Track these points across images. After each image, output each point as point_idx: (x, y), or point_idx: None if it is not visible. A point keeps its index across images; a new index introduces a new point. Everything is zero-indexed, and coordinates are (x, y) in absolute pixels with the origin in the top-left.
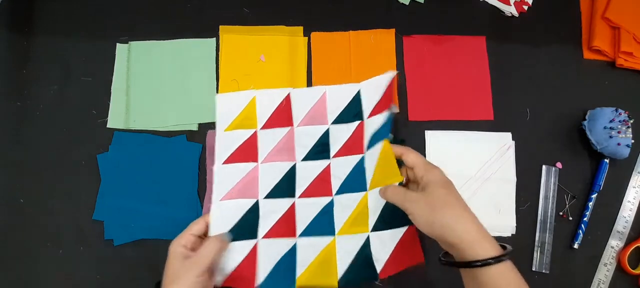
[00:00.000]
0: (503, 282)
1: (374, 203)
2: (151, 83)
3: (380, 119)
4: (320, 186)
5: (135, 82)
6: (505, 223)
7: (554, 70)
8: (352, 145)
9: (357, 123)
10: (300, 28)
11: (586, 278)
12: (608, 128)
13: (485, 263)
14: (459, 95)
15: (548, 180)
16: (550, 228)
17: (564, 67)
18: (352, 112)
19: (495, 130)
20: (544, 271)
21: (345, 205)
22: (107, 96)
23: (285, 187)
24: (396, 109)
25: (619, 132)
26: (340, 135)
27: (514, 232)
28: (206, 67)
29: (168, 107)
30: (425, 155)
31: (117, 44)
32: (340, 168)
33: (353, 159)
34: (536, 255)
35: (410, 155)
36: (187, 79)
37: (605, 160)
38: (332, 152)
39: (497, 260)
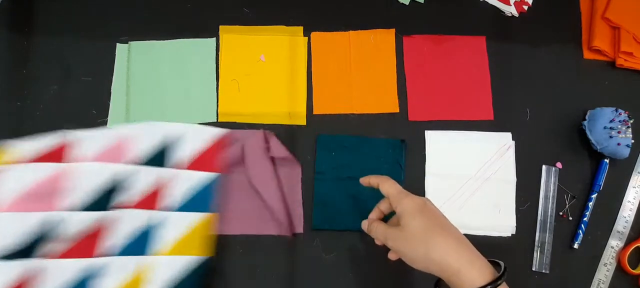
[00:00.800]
0: None
1: (164, 272)
2: (151, 83)
3: (200, 181)
4: (87, 244)
5: (135, 82)
6: (505, 223)
7: (554, 70)
8: (150, 198)
9: (163, 170)
10: (300, 28)
11: (586, 278)
12: (608, 128)
13: None
14: (459, 95)
15: (548, 180)
16: (550, 228)
17: (564, 67)
18: (160, 156)
19: (495, 130)
20: (544, 271)
21: (118, 270)
22: (107, 96)
23: (32, 246)
24: (222, 179)
25: (619, 132)
26: (135, 182)
27: (514, 232)
28: (206, 67)
29: (168, 107)
30: (425, 156)
31: (117, 44)
32: (122, 223)
33: (143, 215)
34: (536, 255)
35: (384, 185)
36: (187, 79)
37: (605, 160)
38: (115, 202)
39: (493, 285)
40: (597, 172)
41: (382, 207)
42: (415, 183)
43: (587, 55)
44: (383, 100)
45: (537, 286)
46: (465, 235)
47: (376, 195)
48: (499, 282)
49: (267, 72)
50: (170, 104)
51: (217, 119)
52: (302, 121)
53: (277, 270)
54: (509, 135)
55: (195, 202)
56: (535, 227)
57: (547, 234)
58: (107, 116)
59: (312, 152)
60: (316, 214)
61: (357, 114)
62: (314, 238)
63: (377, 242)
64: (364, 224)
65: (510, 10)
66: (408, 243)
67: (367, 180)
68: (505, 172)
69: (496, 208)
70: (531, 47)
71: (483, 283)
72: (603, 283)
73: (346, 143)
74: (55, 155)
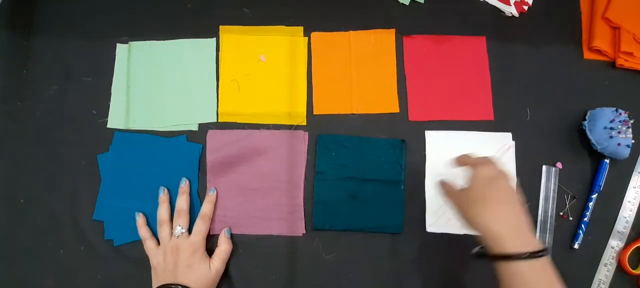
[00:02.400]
0: (531, 279)
1: None
2: (151, 83)
3: None
4: None
5: (135, 82)
6: None
7: (554, 70)
8: None
9: None
10: (300, 28)
11: (586, 279)
12: (608, 128)
13: (508, 257)
14: (459, 95)
15: (548, 180)
16: (550, 229)
17: (564, 67)
18: None
19: (495, 130)
20: None
21: None
22: (107, 96)
23: None
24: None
25: (619, 132)
26: None
27: None
28: (206, 67)
29: (168, 107)
30: (425, 156)
31: (117, 44)
32: None
33: None
34: None
35: (461, 158)
36: (187, 79)
37: (606, 160)
38: None
39: (521, 257)
40: (598, 172)
41: (460, 160)
42: (415, 184)
43: (587, 55)
44: (383, 100)
45: None
46: (465, 235)
47: (376, 195)
48: (539, 254)
49: (267, 72)
50: (170, 104)
51: (217, 119)
52: (302, 121)
53: (277, 270)
54: (509, 135)
55: None
56: (536, 227)
57: (547, 234)
58: (107, 116)
59: (312, 152)
60: (316, 214)
61: (357, 114)
62: (314, 238)
63: (443, 196)
64: (439, 182)
65: (510, 10)
66: (465, 204)
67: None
68: None
69: None
70: (531, 47)
71: (522, 250)
72: (603, 284)
73: (346, 143)
74: None
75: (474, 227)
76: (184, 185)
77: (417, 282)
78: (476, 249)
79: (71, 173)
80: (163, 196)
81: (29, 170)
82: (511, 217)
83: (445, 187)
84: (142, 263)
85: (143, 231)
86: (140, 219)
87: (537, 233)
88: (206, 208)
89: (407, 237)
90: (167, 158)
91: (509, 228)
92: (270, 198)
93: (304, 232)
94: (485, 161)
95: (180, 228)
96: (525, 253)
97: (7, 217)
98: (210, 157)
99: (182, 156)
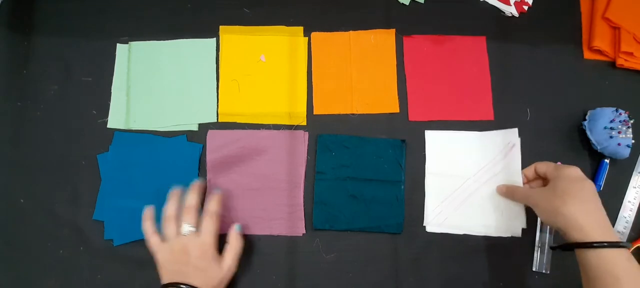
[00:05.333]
0: (616, 266)
1: None
2: (151, 83)
3: None
4: None
5: (135, 82)
6: (506, 224)
7: (554, 70)
8: None
9: None
10: (300, 28)
11: None
12: (608, 128)
13: (589, 245)
14: (459, 95)
15: None
16: (550, 229)
17: (564, 67)
18: None
19: (495, 130)
20: (544, 271)
21: None
22: (107, 96)
23: None
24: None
25: (619, 132)
26: None
27: (514, 232)
28: (206, 67)
29: (168, 107)
30: (425, 156)
31: (117, 44)
32: None
33: None
34: (536, 255)
35: (540, 166)
36: (187, 79)
37: (606, 160)
38: None
39: (603, 245)
40: (598, 172)
41: (528, 172)
42: (415, 184)
43: (587, 55)
44: (383, 100)
45: (537, 286)
46: (465, 235)
47: (376, 195)
48: (620, 245)
49: (267, 72)
50: (170, 104)
51: (217, 119)
52: (302, 121)
53: (277, 270)
54: (515, 131)
55: None
56: (535, 227)
57: (547, 234)
58: (107, 116)
59: (312, 152)
60: (316, 214)
61: (357, 114)
62: (314, 238)
63: (514, 198)
64: (501, 189)
65: (510, 10)
66: (547, 197)
67: (530, 172)
68: (510, 172)
69: (498, 209)
70: (531, 47)
71: (605, 239)
72: None
73: (346, 143)
74: None
75: (558, 217)
76: (198, 183)
77: (417, 282)
78: (555, 245)
79: (71, 173)
80: (173, 193)
81: (29, 170)
82: (595, 212)
83: (524, 191)
84: (142, 263)
85: (147, 225)
86: (147, 212)
87: (537, 234)
88: (213, 205)
89: (407, 237)
90: (167, 158)
91: (593, 220)
92: (270, 198)
93: (304, 232)
94: (572, 166)
95: (189, 226)
96: (607, 241)
97: (7, 217)
98: (210, 157)
99: (182, 156)
